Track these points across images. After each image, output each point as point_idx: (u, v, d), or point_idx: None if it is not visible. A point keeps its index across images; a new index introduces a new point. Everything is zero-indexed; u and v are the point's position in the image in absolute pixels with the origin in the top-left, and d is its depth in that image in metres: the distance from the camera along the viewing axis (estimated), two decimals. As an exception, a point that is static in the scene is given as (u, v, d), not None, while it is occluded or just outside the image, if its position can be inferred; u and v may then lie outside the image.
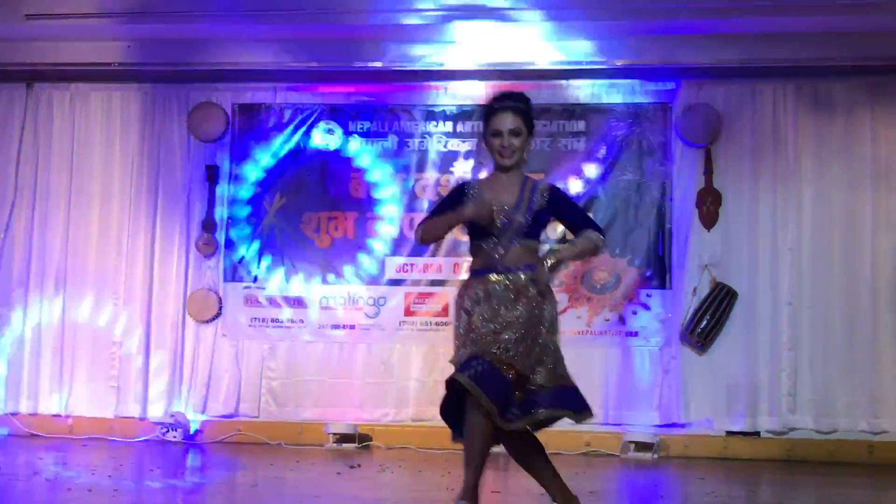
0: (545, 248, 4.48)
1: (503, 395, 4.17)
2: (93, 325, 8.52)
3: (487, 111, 4.42)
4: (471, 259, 4.44)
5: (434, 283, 8.37)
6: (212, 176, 8.56)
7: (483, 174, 4.47)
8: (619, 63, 8.11)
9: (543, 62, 8.09)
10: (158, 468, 6.81)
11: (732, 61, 7.99)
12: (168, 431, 8.17)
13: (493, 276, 4.27)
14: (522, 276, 4.26)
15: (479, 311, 4.25)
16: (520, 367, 4.18)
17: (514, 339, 4.19)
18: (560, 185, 8.09)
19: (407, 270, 8.41)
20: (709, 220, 8.09)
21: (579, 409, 4.35)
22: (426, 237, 4.49)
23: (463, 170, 8.37)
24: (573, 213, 4.51)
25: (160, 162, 8.64)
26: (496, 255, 4.29)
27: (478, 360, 4.17)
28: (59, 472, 6.13)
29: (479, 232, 4.33)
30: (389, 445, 8.07)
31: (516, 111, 4.34)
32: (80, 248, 8.59)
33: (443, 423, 7.97)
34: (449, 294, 8.28)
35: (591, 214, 7.97)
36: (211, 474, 6.60)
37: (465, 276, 4.61)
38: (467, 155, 8.40)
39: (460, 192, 4.41)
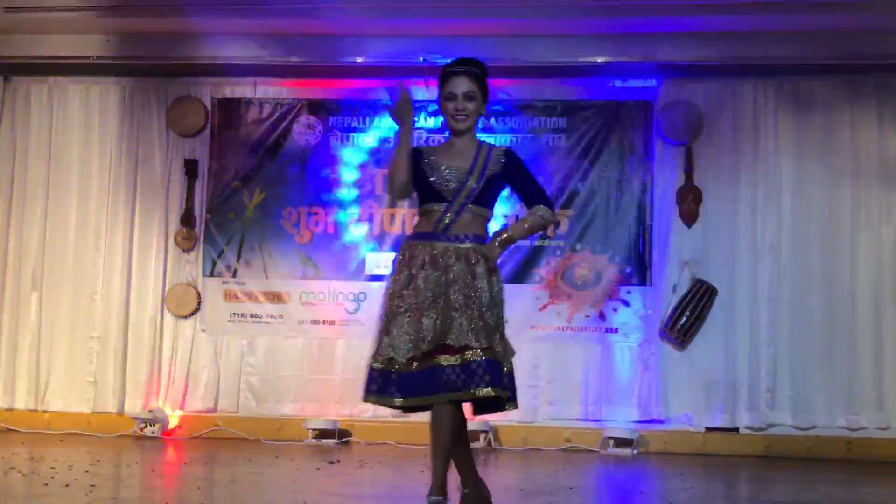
0: (493, 226, 4.44)
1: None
2: (70, 319, 8.46)
3: (442, 76, 4.37)
4: (417, 218, 4.41)
5: (414, 278, 8.34)
6: (191, 170, 8.52)
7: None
8: (600, 60, 8.11)
9: (525, 59, 8.08)
10: (136, 463, 6.77)
11: (713, 59, 8.01)
12: (146, 427, 8.12)
13: (440, 244, 4.23)
14: (466, 246, 4.23)
15: (424, 275, 4.19)
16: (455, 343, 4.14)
17: (448, 321, 4.14)
18: (540, 180, 8.20)
19: (387, 266, 8.37)
20: (689, 218, 8.12)
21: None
22: (394, 182, 4.34)
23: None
24: (527, 183, 4.42)
25: (139, 156, 8.59)
26: (445, 221, 4.26)
27: (421, 373, 4.16)
28: (36, 467, 6.07)
29: (431, 195, 4.31)
30: (369, 441, 8.05)
31: (471, 75, 4.30)
32: (58, 242, 8.54)
33: (423, 419, 7.99)
34: (429, 290, 8.27)
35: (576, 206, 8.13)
36: (189, 470, 6.56)
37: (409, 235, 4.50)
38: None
39: (415, 154, 4.34)
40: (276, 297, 8.40)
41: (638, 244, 8.15)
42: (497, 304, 4.26)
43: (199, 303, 8.42)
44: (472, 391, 4.10)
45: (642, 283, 8.13)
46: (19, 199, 8.61)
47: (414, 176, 4.32)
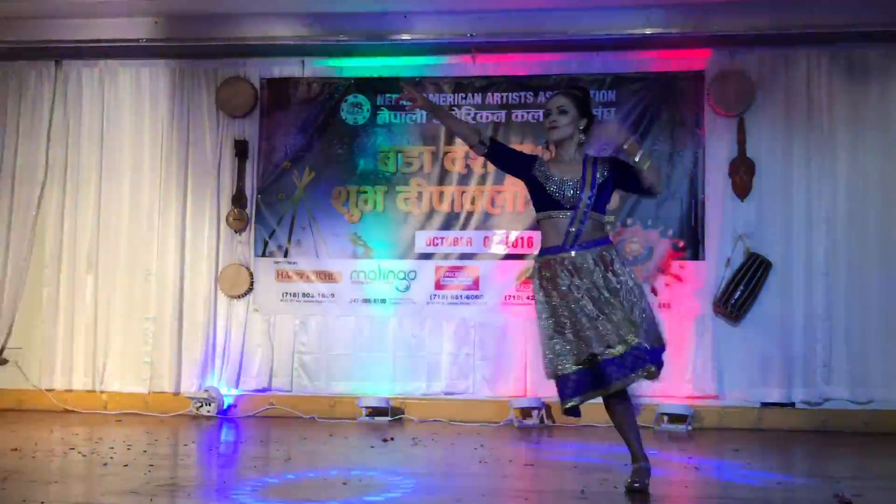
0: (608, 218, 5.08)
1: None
2: (125, 300, 8.57)
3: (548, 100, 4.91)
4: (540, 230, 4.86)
5: (464, 256, 8.35)
6: (241, 151, 8.56)
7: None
8: (649, 31, 7.99)
9: (574, 32, 7.99)
10: (193, 443, 6.85)
11: (765, 28, 7.87)
12: (202, 406, 8.22)
13: (565, 255, 4.69)
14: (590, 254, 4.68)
15: (556, 293, 4.66)
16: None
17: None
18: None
19: (437, 244, 8.39)
20: (742, 190, 8.01)
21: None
22: (468, 142, 4.88)
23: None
24: (633, 173, 4.76)
25: (189, 138, 8.65)
26: (569, 232, 4.69)
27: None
28: (95, 447, 6.17)
29: (549, 203, 4.72)
30: (422, 419, 8.08)
31: (567, 94, 4.81)
32: (112, 225, 8.64)
33: (475, 396, 8.03)
34: (479, 268, 8.27)
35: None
36: (245, 448, 6.63)
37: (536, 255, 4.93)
38: (496, 126, 8.35)
39: (531, 158, 4.85)
40: (327, 277, 8.44)
41: (690, 218, 8.06)
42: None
43: (252, 283, 8.48)
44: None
45: (695, 257, 8.04)
46: (72, 183, 8.72)
47: (519, 158, 4.88)
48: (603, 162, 4.77)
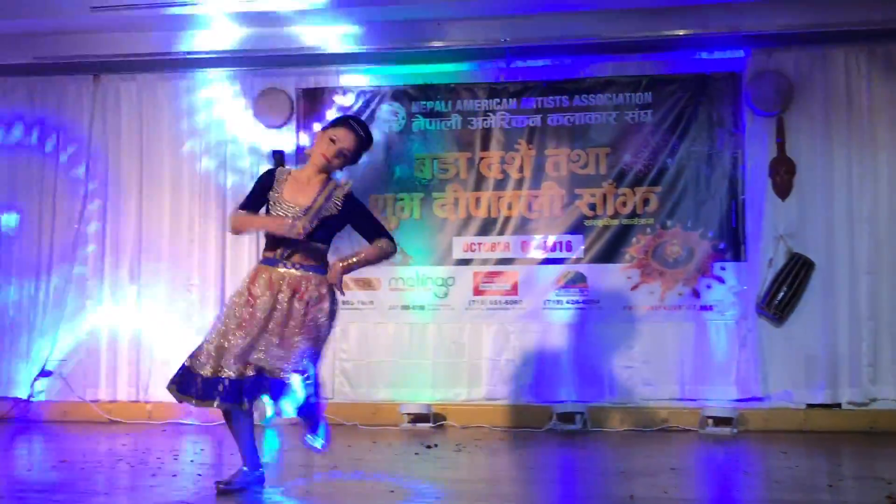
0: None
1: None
2: (168, 311, 8.62)
3: (341, 120, 5.07)
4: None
5: (502, 261, 8.33)
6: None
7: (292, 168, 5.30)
8: (683, 33, 7.95)
9: (609, 34, 7.96)
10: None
11: (801, 27, 7.78)
12: (245, 415, 8.22)
13: (278, 270, 4.89)
14: (299, 274, 4.90)
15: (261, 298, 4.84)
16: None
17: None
18: (627, 158, 8.15)
19: (474, 249, 8.39)
20: (783, 190, 7.94)
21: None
22: (239, 228, 5.23)
23: (527, 146, 8.32)
24: (364, 222, 5.12)
25: (227, 149, 8.70)
26: (282, 250, 4.91)
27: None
28: (143, 457, 6.21)
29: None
30: (464, 425, 8.07)
31: (358, 139, 4.96)
32: (153, 237, 8.69)
33: (517, 402, 8.00)
34: (518, 273, 8.25)
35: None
36: (290, 456, 6.65)
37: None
38: (531, 131, 8.34)
39: (270, 177, 5.06)
40: (366, 284, 8.44)
41: (730, 219, 8.00)
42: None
43: (292, 292, 8.50)
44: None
45: (736, 258, 7.98)
46: (113, 196, 8.77)
47: (262, 198, 5.05)
48: (342, 197, 4.97)
